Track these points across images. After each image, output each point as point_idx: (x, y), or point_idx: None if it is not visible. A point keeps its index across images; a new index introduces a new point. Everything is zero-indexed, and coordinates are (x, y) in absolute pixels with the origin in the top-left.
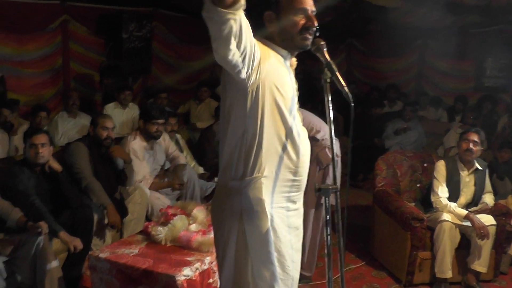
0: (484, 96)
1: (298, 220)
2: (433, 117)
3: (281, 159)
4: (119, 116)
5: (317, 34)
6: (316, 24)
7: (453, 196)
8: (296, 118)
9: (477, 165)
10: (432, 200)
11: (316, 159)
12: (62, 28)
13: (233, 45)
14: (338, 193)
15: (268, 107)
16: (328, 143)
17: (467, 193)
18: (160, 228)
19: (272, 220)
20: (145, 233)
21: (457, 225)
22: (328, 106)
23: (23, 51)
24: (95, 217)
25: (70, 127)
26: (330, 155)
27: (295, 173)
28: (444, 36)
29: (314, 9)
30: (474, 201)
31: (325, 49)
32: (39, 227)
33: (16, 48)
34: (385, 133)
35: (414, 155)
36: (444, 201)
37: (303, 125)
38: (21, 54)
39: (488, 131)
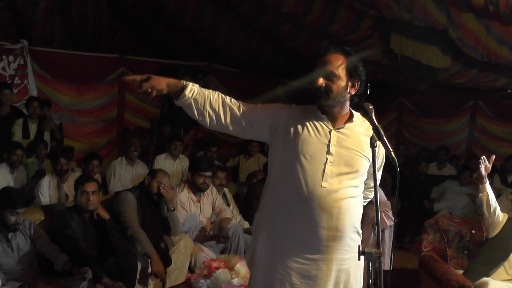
0: None
1: (314, 272)
2: None
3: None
4: (170, 167)
5: (368, 92)
6: (318, 83)
7: (504, 252)
8: (328, 178)
9: None
10: None
11: (372, 223)
12: (119, 79)
13: (220, 124)
14: (381, 257)
15: (277, 157)
16: (383, 207)
17: None
18: (202, 281)
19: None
20: (187, 284)
21: None
22: (375, 169)
23: (81, 101)
24: (139, 265)
25: (126, 173)
26: (386, 220)
27: (307, 233)
28: (496, 98)
29: (328, 69)
30: None
31: (373, 113)
32: (84, 272)
33: (75, 97)
34: (432, 195)
35: (462, 221)
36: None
37: None
38: (79, 103)
39: None
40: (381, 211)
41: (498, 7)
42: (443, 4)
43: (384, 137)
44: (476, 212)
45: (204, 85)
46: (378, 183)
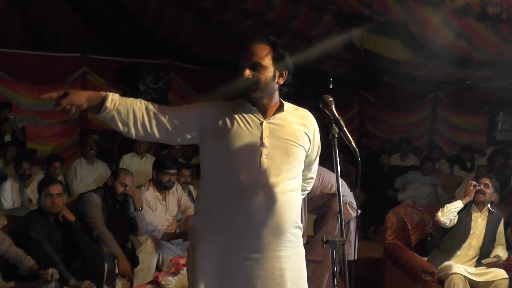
0: (496, 150)
1: (257, 272)
2: (446, 171)
3: (221, 203)
4: (137, 165)
5: (331, 87)
6: (244, 75)
7: (463, 235)
8: (265, 172)
9: (491, 208)
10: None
11: (336, 215)
12: (81, 79)
13: (142, 132)
14: (345, 245)
15: (209, 157)
16: (348, 199)
17: (478, 236)
18: (170, 278)
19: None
20: (155, 282)
21: (467, 278)
22: (336, 161)
23: (43, 102)
24: (106, 265)
25: (88, 173)
26: (351, 211)
27: (245, 225)
28: (455, 90)
29: (254, 60)
30: (485, 246)
31: (333, 105)
32: (49, 274)
33: (36, 99)
34: (396, 186)
35: (425, 209)
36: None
37: (323, 183)
38: (41, 104)
39: (501, 184)
40: (346, 203)
41: (454, 1)
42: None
43: (345, 128)
44: (438, 201)
45: (166, 83)
46: (325, 174)
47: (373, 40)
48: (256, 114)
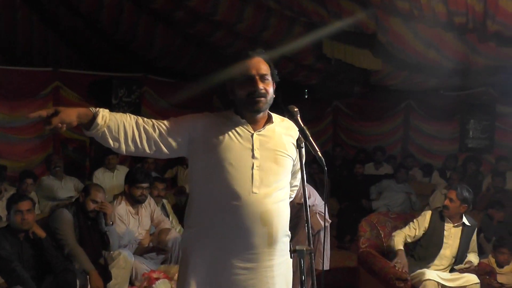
0: (468, 157)
1: (251, 282)
2: (419, 179)
3: (214, 217)
4: (109, 180)
5: (306, 97)
6: (260, 87)
7: (436, 245)
8: (258, 185)
9: (465, 221)
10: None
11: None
12: (53, 94)
13: (132, 147)
14: (313, 254)
15: (199, 170)
16: (318, 209)
17: (452, 246)
18: None
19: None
20: None
21: (440, 284)
22: (302, 170)
23: (14, 118)
24: (78, 282)
25: (58, 190)
26: (321, 221)
27: (237, 235)
28: (427, 98)
29: (262, 72)
30: (459, 256)
31: (299, 115)
32: None
33: (7, 114)
34: (371, 195)
35: (397, 216)
36: (397, 234)
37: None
38: (12, 120)
39: (473, 191)
40: (316, 212)
41: (422, 11)
42: (371, 10)
43: (310, 138)
44: (412, 208)
45: (139, 96)
46: (304, 183)
47: (343, 50)
48: (245, 126)
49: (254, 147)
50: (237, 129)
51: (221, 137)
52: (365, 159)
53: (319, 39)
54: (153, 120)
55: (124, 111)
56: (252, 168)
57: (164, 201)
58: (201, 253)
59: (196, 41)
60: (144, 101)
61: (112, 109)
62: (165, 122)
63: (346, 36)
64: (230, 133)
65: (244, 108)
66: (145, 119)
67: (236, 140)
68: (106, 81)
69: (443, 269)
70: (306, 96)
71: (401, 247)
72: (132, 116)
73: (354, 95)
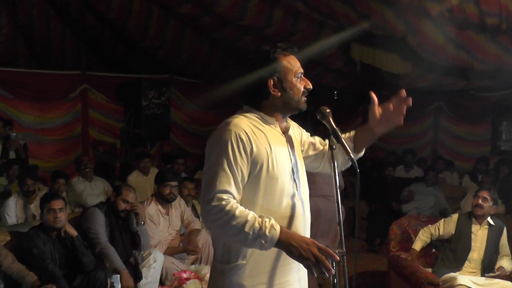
0: (501, 160)
1: None
2: (450, 182)
3: None
4: (143, 183)
5: (336, 98)
6: (310, 86)
7: (465, 249)
8: (299, 187)
9: (490, 221)
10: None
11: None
12: (82, 96)
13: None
14: (344, 257)
15: (254, 186)
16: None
17: (479, 249)
18: None
19: None
20: None
21: None
22: (335, 172)
23: (44, 119)
24: (109, 281)
25: (88, 191)
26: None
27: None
28: (458, 99)
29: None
30: (487, 258)
31: (331, 116)
32: None
33: (38, 116)
34: (401, 198)
35: (428, 220)
36: (422, 233)
37: None
38: (43, 122)
39: (507, 195)
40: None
41: (452, 13)
42: (401, 12)
43: (343, 139)
44: (441, 213)
45: (168, 98)
46: (337, 185)
47: (372, 54)
48: (277, 128)
49: (289, 150)
50: (273, 131)
51: (268, 146)
52: (395, 162)
53: (347, 43)
54: (237, 185)
55: (154, 113)
56: (293, 173)
57: (194, 202)
58: (264, 281)
59: (223, 46)
60: (172, 102)
61: (142, 110)
62: (239, 174)
63: (375, 39)
64: (270, 137)
65: (285, 107)
66: (237, 195)
67: (279, 144)
68: (134, 83)
69: (474, 273)
70: (335, 98)
71: (416, 248)
72: (237, 206)
73: (382, 97)
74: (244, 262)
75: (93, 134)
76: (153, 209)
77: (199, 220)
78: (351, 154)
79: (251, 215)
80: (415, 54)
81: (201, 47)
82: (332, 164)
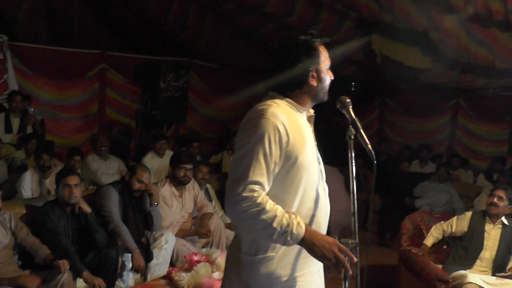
0: None
1: (320, 280)
2: (464, 180)
3: None
4: (157, 164)
5: (353, 89)
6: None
7: (477, 247)
8: (321, 177)
9: (504, 221)
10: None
11: None
12: (100, 76)
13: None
14: (357, 248)
15: (284, 178)
16: None
17: (492, 248)
18: (183, 274)
19: None
20: (168, 278)
21: None
22: (352, 163)
23: (62, 97)
24: (120, 259)
25: (103, 169)
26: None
27: None
28: (477, 97)
29: None
30: (499, 258)
31: (351, 106)
32: (61, 265)
33: (55, 94)
34: (415, 193)
35: (441, 216)
36: (435, 229)
37: None
38: (60, 99)
39: None
40: None
41: (477, 9)
42: (424, 6)
43: (362, 130)
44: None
45: (187, 81)
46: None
47: (393, 47)
48: (305, 118)
49: (314, 140)
50: (304, 121)
51: (301, 137)
52: (410, 156)
53: (368, 35)
54: (269, 177)
55: (172, 95)
56: (319, 163)
57: (208, 186)
58: (291, 272)
59: (245, 33)
60: (190, 86)
61: (159, 92)
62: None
63: (396, 33)
64: (302, 126)
65: (315, 97)
66: (266, 187)
67: (308, 134)
68: (153, 65)
69: (485, 272)
70: (353, 89)
71: (428, 244)
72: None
73: (401, 91)
74: (273, 254)
75: (110, 114)
76: (167, 190)
77: (212, 204)
78: (369, 146)
79: (279, 210)
80: (436, 50)
81: (222, 33)
82: (350, 154)
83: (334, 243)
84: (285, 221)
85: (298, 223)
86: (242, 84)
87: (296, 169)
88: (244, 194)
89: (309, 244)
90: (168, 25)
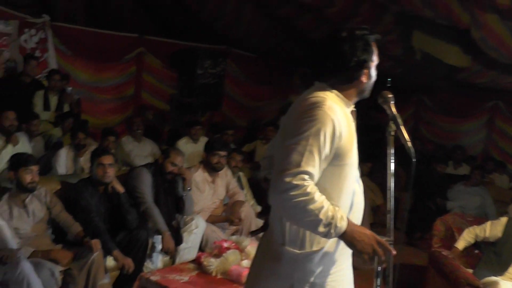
0: None
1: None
2: (499, 184)
3: None
4: (192, 150)
5: (388, 85)
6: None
7: (510, 253)
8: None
9: None
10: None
11: None
12: (137, 59)
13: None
14: (392, 245)
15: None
16: None
17: None
18: (212, 260)
19: None
20: (197, 262)
21: None
22: (391, 159)
23: (99, 78)
24: (150, 241)
25: (136, 151)
26: None
27: None
28: None
29: None
30: None
31: (392, 102)
32: (93, 245)
33: (93, 75)
34: (449, 195)
35: (474, 220)
36: (467, 233)
37: None
38: (97, 80)
39: None
40: None
41: None
42: (467, 4)
43: (402, 126)
44: (486, 213)
45: (223, 69)
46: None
47: (433, 44)
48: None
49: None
50: (350, 116)
51: (349, 133)
52: (443, 157)
53: (407, 30)
54: (317, 171)
55: (208, 82)
56: (357, 160)
57: (241, 174)
58: (333, 267)
59: (282, 23)
60: (226, 73)
61: (196, 78)
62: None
63: (437, 29)
64: (352, 122)
65: (361, 93)
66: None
67: (354, 130)
68: (190, 51)
69: None
70: (388, 85)
71: (459, 247)
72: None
73: (438, 89)
74: (318, 249)
75: (146, 97)
76: (199, 176)
77: (244, 192)
78: (408, 142)
79: (326, 201)
80: (477, 48)
81: (260, 22)
82: (388, 150)
83: (373, 237)
84: (330, 213)
85: (341, 216)
86: (278, 74)
87: (344, 164)
88: (294, 182)
89: (350, 238)
90: (206, 12)
